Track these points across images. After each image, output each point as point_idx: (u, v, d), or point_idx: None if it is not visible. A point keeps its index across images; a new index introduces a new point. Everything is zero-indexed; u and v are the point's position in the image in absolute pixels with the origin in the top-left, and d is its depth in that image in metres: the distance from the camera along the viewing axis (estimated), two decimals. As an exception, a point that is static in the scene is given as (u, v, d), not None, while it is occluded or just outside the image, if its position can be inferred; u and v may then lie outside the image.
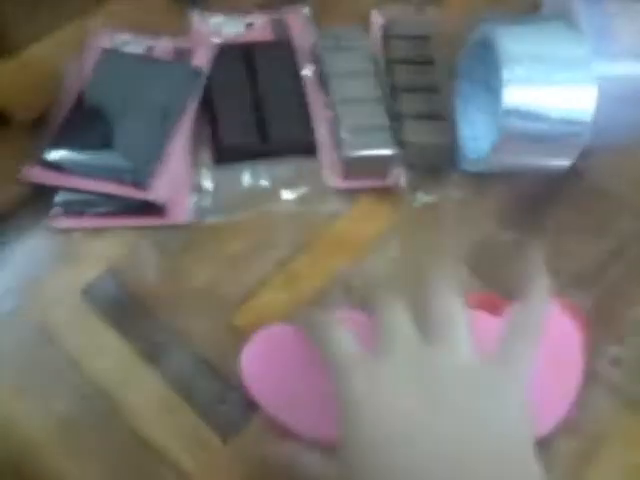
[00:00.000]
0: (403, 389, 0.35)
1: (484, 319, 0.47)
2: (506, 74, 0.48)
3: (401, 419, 0.34)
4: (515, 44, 0.49)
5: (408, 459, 0.33)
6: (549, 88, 0.49)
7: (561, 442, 0.45)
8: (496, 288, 0.50)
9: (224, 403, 0.45)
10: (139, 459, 0.43)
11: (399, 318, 0.38)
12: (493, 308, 0.47)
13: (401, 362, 0.36)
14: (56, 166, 0.49)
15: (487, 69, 0.56)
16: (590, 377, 0.46)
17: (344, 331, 0.39)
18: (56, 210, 0.49)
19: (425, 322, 0.38)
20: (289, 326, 0.45)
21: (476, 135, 0.56)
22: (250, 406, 0.45)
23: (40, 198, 0.50)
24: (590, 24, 0.51)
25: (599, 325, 0.49)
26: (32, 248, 0.49)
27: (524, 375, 0.37)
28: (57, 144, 0.50)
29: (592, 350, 0.47)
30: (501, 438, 0.34)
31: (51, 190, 0.50)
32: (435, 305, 0.39)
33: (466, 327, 0.38)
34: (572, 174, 0.53)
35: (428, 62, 0.58)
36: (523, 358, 0.38)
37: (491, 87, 0.57)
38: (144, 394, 0.45)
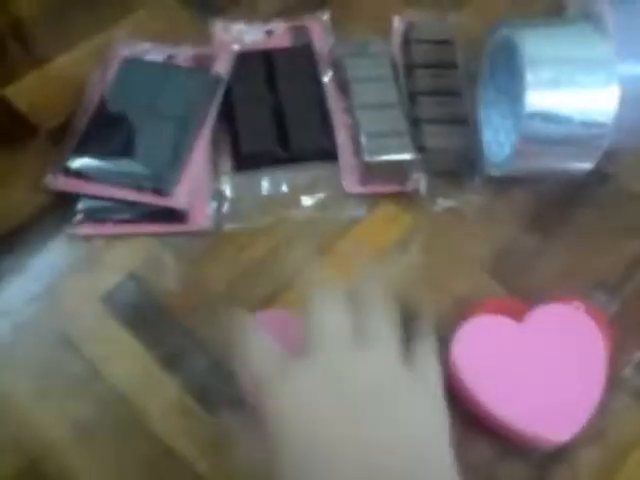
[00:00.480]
0: (323, 399, 0.34)
1: (504, 325, 0.46)
2: (529, 77, 0.47)
3: (322, 429, 0.33)
4: (538, 47, 0.48)
5: (330, 468, 0.32)
6: (571, 90, 0.48)
7: (585, 450, 0.44)
8: (517, 293, 0.50)
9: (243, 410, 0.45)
10: (157, 464, 0.43)
11: (329, 318, 0.37)
12: (514, 313, 0.46)
13: (321, 370, 0.35)
14: (78, 174, 0.50)
15: (509, 73, 0.55)
16: (615, 383, 0.46)
17: (262, 339, 0.38)
18: (78, 217, 0.50)
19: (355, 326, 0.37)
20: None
21: (498, 139, 0.56)
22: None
23: (62, 205, 0.51)
24: (616, 25, 0.50)
25: (624, 330, 0.48)
26: (54, 255, 0.50)
27: (432, 376, 0.37)
28: (79, 152, 0.51)
29: (617, 356, 0.46)
30: (415, 440, 0.34)
31: (73, 198, 0.50)
32: (364, 312, 0.38)
33: (392, 334, 0.37)
34: (597, 177, 0.52)
35: (450, 66, 0.57)
36: (427, 360, 0.38)
37: (513, 90, 0.56)
38: (163, 400, 0.45)
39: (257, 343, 0.38)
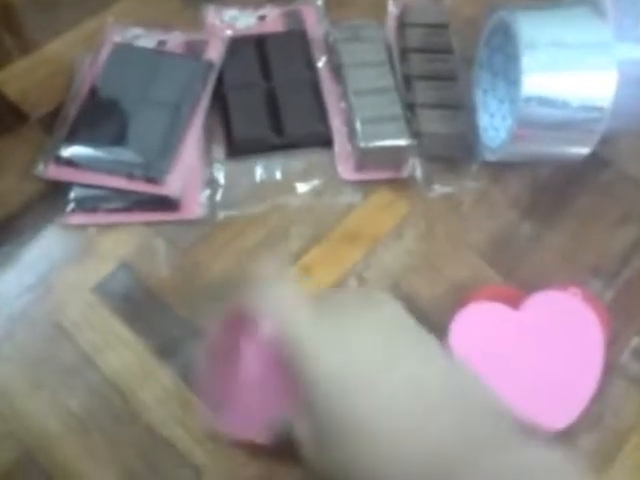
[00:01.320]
0: (369, 339, 0.34)
1: (501, 311, 0.46)
2: (526, 61, 0.47)
3: (365, 367, 0.33)
4: (535, 30, 0.48)
5: (372, 405, 0.32)
6: (569, 74, 0.47)
7: (583, 436, 0.44)
8: (514, 280, 0.50)
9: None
10: (152, 453, 0.43)
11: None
12: (510, 300, 0.46)
13: (362, 314, 0.35)
14: (70, 162, 0.49)
15: (506, 57, 0.55)
16: (612, 369, 0.45)
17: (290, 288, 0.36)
18: (70, 206, 0.49)
19: None
20: None
21: (494, 124, 0.55)
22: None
23: (54, 194, 0.50)
24: (616, 7, 0.50)
25: (621, 316, 0.48)
26: (46, 244, 0.49)
27: None
28: (70, 140, 0.50)
29: (614, 342, 0.46)
30: (461, 378, 0.34)
31: (65, 186, 0.50)
32: None
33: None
34: (596, 161, 0.52)
35: (445, 50, 0.57)
36: None
37: (509, 74, 0.56)
38: (158, 389, 0.45)
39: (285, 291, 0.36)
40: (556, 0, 0.56)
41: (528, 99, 0.47)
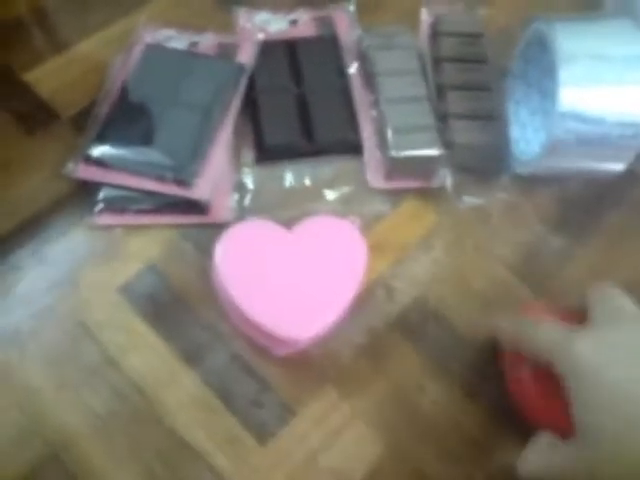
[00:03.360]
0: (611, 350, 0.39)
1: (271, 229, 0.48)
2: (563, 75, 0.46)
3: (612, 372, 0.38)
4: (573, 43, 0.47)
5: (615, 403, 0.37)
6: (606, 89, 0.47)
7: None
8: (542, 295, 0.49)
9: (261, 405, 0.44)
10: (174, 457, 0.43)
11: (620, 297, 0.42)
12: (549, 316, 0.45)
13: (631, 330, 0.40)
14: (99, 162, 0.49)
15: (541, 69, 0.54)
16: None
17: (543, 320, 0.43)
18: (99, 206, 0.49)
19: None
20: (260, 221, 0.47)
21: (527, 136, 0.55)
22: (287, 409, 0.44)
23: (83, 194, 0.50)
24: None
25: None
26: (74, 244, 0.49)
27: None
28: (100, 140, 0.50)
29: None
30: None
31: (94, 186, 0.50)
32: None
33: None
34: (628, 177, 0.51)
35: (479, 60, 0.56)
36: None
37: (544, 88, 0.55)
38: (180, 392, 0.44)
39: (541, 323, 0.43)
40: (595, 12, 0.56)
41: (563, 114, 0.46)
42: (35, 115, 0.54)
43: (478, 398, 0.46)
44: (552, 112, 0.47)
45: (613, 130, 0.47)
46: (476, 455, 0.44)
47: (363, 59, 0.57)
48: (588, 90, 0.46)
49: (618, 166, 0.49)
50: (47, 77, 0.56)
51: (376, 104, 0.54)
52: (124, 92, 0.53)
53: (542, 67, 0.53)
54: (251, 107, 0.54)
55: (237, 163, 0.52)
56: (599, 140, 0.47)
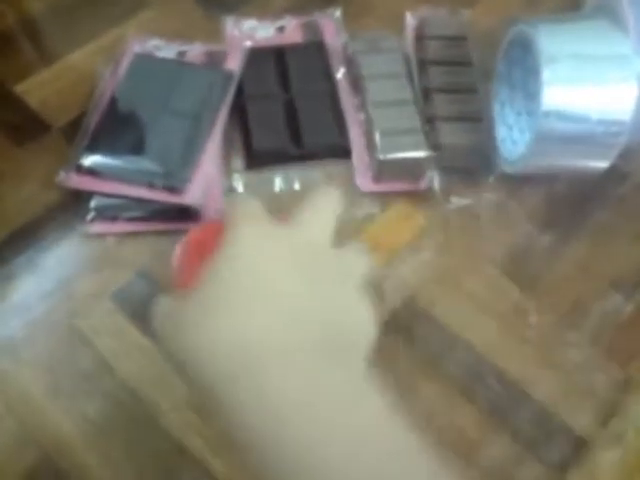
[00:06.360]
0: None
1: None
2: (546, 75, 0.47)
3: None
4: (555, 43, 0.48)
5: None
6: (588, 88, 0.47)
7: (605, 453, 0.44)
8: (531, 293, 0.49)
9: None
10: (169, 461, 0.43)
11: None
12: None
13: None
14: (90, 171, 0.50)
15: (525, 70, 0.55)
16: (628, 385, 0.45)
17: None
18: (90, 215, 0.50)
19: None
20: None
21: (512, 136, 0.55)
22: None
23: (75, 203, 0.50)
24: (636, 19, 0.49)
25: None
26: (66, 252, 0.49)
27: None
28: (91, 150, 0.50)
29: (634, 357, 0.46)
30: None
31: (86, 195, 0.50)
32: None
33: None
34: (614, 174, 0.52)
35: (464, 63, 0.57)
36: None
37: (528, 87, 0.56)
38: (175, 396, 0.45)
39: None
40: (576, 13, 0.56)
41: (547, 113, 0.47)
42: (26, 126, 0.54)
43: (470, 397, 0.46)
44: (537, 112, 0.48)
45: (597, 128, 0.47)
46: (469, 453, 0.44)
47: (350, 64, 0.57)
48: (571, 89, 0.47)
49: (603, 164, 0.49)
50: (37, 88, 0.56)
51: (363, 108, 0.54)
52: (114, 102, 0.53)
53: (526, 68, 0.54)
54: (240, 113, 0.54)
55: (227, 169, 0.53)
56: (583, 138, 0.48)
